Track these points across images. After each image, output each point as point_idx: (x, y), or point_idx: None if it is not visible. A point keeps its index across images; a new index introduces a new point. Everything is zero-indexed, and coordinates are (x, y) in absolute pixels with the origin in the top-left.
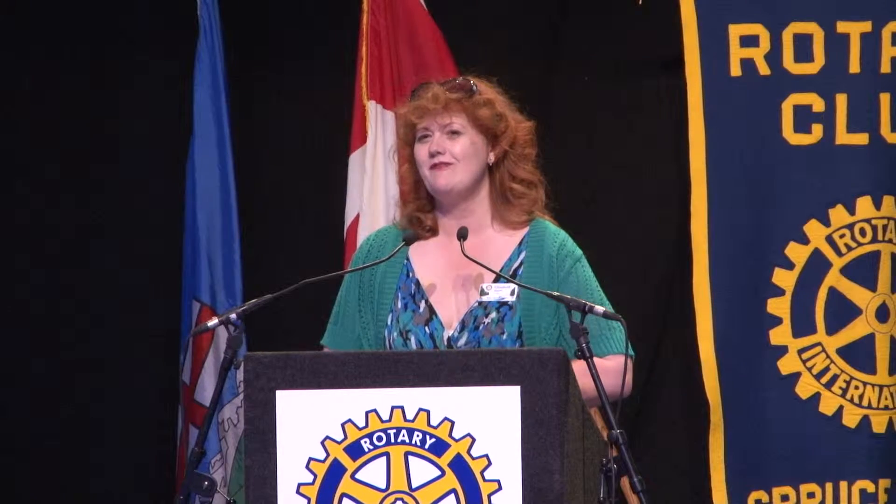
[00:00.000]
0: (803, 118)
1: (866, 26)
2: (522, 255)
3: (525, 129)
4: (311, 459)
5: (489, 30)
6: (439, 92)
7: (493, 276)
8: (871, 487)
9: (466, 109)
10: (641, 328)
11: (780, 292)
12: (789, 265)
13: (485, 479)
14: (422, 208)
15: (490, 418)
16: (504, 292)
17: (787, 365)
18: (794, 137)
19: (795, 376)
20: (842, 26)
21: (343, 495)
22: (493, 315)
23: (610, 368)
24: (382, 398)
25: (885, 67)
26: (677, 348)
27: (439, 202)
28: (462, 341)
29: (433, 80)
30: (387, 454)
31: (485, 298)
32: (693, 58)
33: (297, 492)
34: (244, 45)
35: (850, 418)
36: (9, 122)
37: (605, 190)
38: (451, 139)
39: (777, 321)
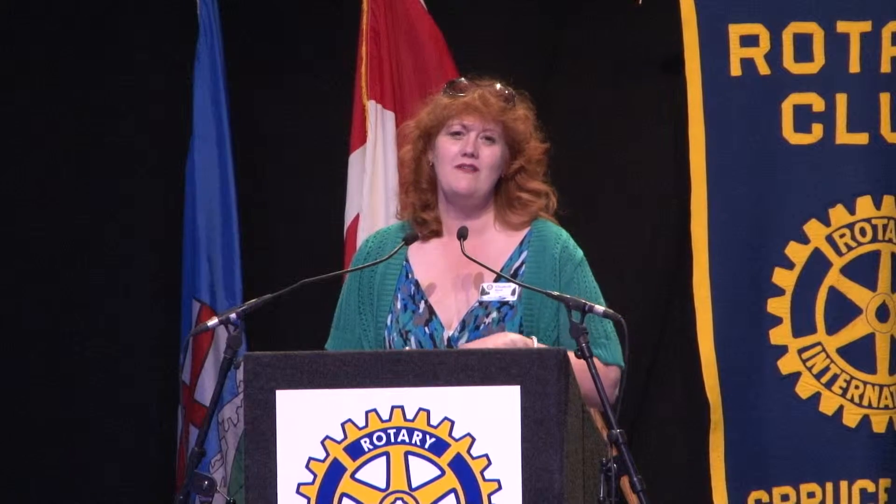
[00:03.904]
0: (803, 118)
1: (866, 26)
2: (524, 255)
3: (541, 149)
4: (310, 459)
5: (489, 30)
6: (490, 96)
7: (494, 275)
8: (871, 487)
9: (506, 121)
10: (641, 328)
11: (780, 292)
12: (789, 265)
13: (485, 479)
14: (424, 202)
15: (490, 418)
16: (505, 292)
17: (787, 365)
18: (794, 137)
19: (795, 376)
20: (842, 26)
21: (343, 495)
22: (494, 315)
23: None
24: (382, 398)
25: (885, 67)
26: (677, 348)
27: (445, 200)
28: (462, 341)
29: (432, 79)
30: (387, 454)
31: (485, 298)
32: (693, 57)
33: (297, 491)
34: (244, 45)
35: (851, 418)
36: (9, 122)
37: (606, 190)
38: (485, 145)
39: (777, 321)
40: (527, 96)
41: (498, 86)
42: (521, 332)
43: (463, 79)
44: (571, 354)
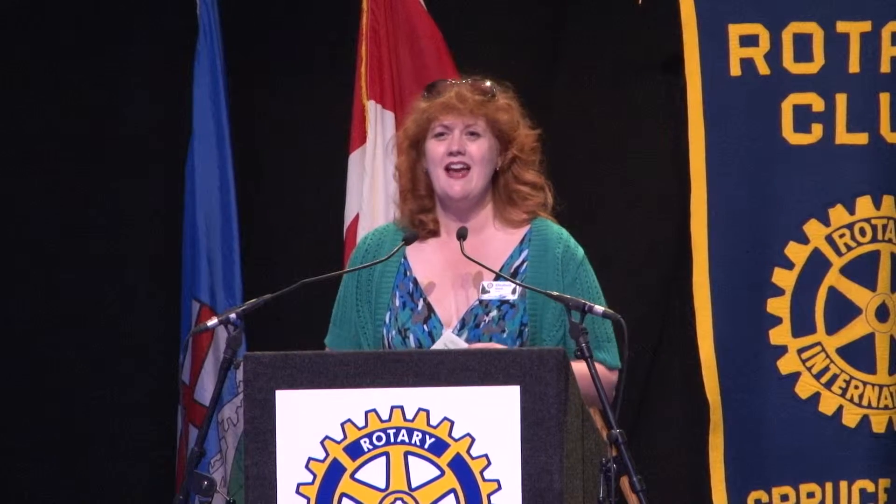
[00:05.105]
0: (803, 118)
1: (866, 26)
2: (525, 254)
3: (532, 136)
4: (310, 459)
5: (489, 30)
6: (465, 92)
7: (493, 274)
8: (870, 487)
9: (488, 113)
10: (641, 328)
11: (779, 292)
12: (789, 265)
13: (484, 479)
14: (423, 208)
15: (489, 418)
16: (505, 290)
17: (786, 365)
18: (793, 137)
19: (795, 376)
20: (841, 26)
21: (343, 495)
22: (494, 313)
23: (607, 380)
24: (382, 398)
25: (885, 67)
26: (677, 348)
27: (443, 202)
28: (462, 339)
29: (432, 79)
30: (386, 454)
31: (486, 296)
32: (693, 58)
33: (297, 492)
34: (244, 45)
35: (850, 418)
36: (9, 122)
37: (606, 190)
38: (471, 140)
39: (777, 321)
40: (510, 87)
41: (476, 80)
42: (522, 331)
43: (443, 80)
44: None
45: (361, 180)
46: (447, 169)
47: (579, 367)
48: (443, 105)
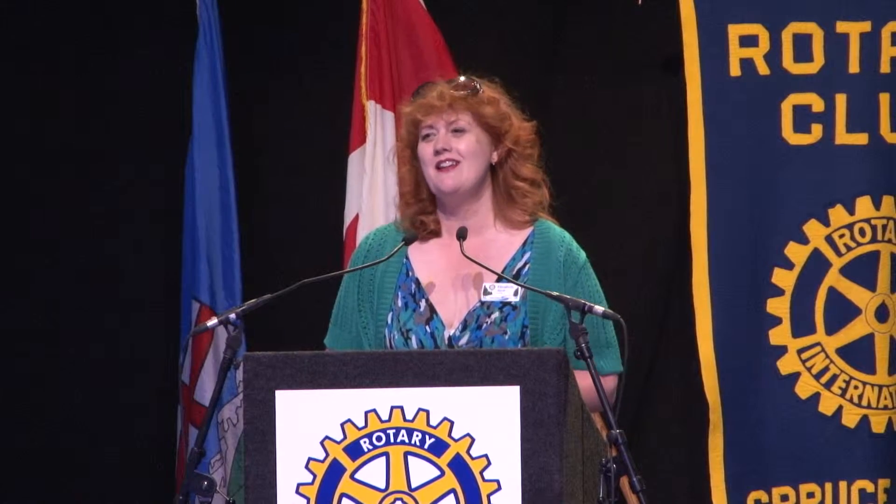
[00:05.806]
0: (803, 118)
1: (866, 26)
2: (527, 256)
3: (528, 129)
4: (310, 459)
5: (489, 30)
6: (444, 90)
7: (494, 275)
8: (870, 487)
9: (471, 107)
10: (641, 328)
11: (779, 292)
12: (789, 265)
13: (484, 479)
14: (424, 210)
15: (489, 418)
16: (507, 292)
17: (786, 365)
18: (793, 137)
19: (795, 376)
20: (841, 26)
21: (342, 495)
22: (496, 315)
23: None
24: (382, 398)
25: (885, 67)
26: (677, 348)
27: (442, 203)
28: (464, 340)
29: (433, 80)
30: (386, 454)
31: (488, 298)
32: (693, 58)
33: (297, 492)
34: (244, 45)
35: (850, 418)
36: (8, 122)
37: (606, 190)
38: (456, 137)
39: (776, 321)
40: (498, 81)
41: (461, 79)
42: (524, 333)
43: (427, 83)
44: (581, 374)
45: (361, 180)
46: (437, 167)
47: (583, 381)
48: (424, 106)
